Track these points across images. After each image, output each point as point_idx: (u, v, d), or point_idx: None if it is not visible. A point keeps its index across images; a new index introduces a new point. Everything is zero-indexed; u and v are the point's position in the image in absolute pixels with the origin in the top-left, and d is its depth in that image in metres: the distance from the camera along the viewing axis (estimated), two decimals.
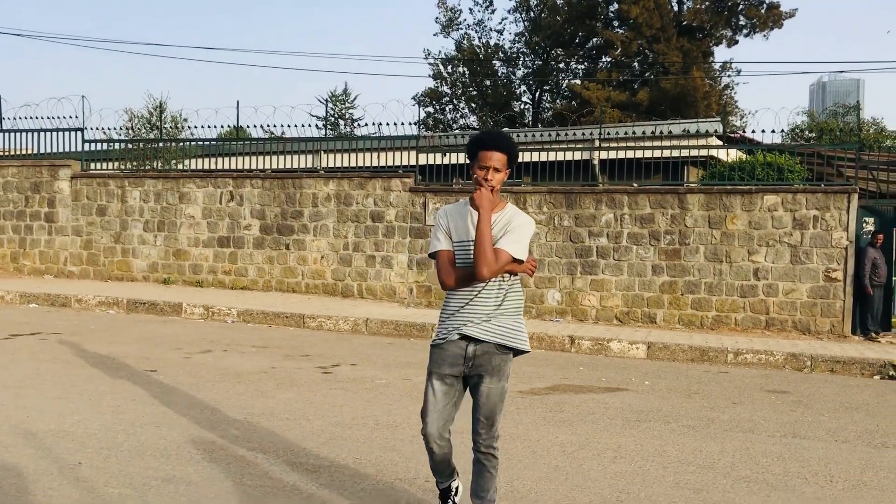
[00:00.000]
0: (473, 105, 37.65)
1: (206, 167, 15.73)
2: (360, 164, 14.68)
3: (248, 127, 16.10)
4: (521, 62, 38.05)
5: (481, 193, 3.48)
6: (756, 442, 5.94)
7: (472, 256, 3.50)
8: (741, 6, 32.85)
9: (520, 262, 3.57)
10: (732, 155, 14.32)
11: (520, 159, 13.96)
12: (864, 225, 12.29)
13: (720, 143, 14.99)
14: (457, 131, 34.57)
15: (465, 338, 3.61)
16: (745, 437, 6.10)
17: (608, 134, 15.87)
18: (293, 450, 5.20)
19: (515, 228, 3.55)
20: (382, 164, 14.60)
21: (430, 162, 14.44)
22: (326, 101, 23.04)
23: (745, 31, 33.38)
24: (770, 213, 12.09)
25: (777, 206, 12.07)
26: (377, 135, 14.67)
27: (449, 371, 3.61)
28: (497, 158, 3.53)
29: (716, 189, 12.44)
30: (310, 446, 5.29)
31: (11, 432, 5.35)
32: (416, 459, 5.06)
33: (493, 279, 3.55)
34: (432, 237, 3.70)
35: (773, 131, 12.84)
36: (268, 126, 15.13)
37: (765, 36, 33.08)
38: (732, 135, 17.95)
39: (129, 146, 16.00)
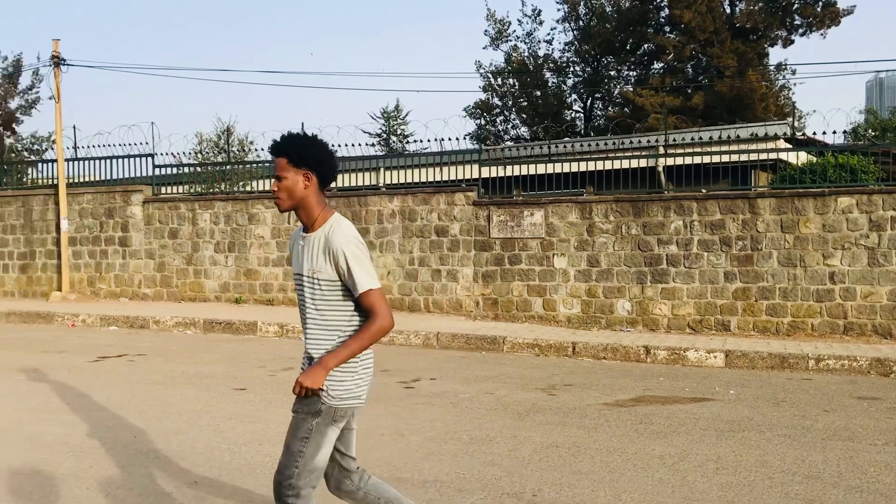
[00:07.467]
0: (524, 116, 37.65)
1: None
2: (419, 179, 14.79)
3: None
4: (571, 71, 37.95)
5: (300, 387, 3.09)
6: (859, 451, 5.82)
7: (303, 291, 3.20)
8: (796, 5, 32.27)
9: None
10: (802, 157, 14.07)
11: (584, 168, 14.01)
12: None
13: (788, 145, 14.75)
14: (509, 143, 34.62)
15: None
16: (845, 445, 5.99)
17: (673, 140, 15.75)
18: (395, 465, 5.26)
19: (352, 258, 3.09)
20: (439, 178, 14.70)
21: (492, 175, 14.50)
22: (385, 116, 23.25)
23: (800, 31, 32.76)
24: (845, 216, 11.84)
25: (852, 208, 11.81)
26: (440, 150, 14.79)
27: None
28: (280, 164, 3.16)
29: (787, 193, 12.23)
30: (410, 462, 5.35)
31: (124, 452, 5.52)
32: (519, 473, 5.09)
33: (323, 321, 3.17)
34: None
35: (843, 132, 12.57)
36: (332, 146, 15.37)
37: (822, 35, 32.42)
38: (800, 137, 17.64)
39: (199, 170, 16.40)
